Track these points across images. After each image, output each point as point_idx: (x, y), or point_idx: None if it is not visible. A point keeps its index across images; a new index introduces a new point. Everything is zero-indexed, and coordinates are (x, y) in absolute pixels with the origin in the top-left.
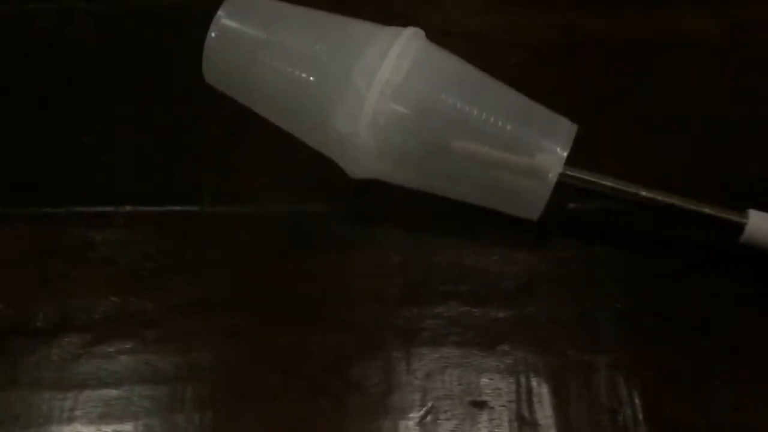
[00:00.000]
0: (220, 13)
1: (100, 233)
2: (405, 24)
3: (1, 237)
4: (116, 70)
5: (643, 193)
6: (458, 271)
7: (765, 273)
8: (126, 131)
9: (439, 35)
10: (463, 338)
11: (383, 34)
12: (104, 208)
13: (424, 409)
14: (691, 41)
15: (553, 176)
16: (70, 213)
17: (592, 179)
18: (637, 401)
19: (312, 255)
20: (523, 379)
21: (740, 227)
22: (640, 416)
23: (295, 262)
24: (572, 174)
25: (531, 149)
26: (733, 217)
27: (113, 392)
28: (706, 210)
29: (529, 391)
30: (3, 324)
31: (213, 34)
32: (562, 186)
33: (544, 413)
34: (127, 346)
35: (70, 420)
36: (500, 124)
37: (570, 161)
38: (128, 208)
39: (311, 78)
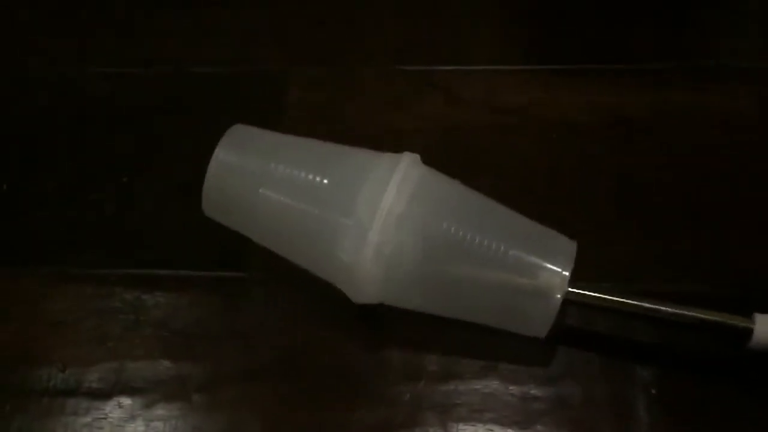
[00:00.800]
0: (218, 150)
1: (152, 297)
2: (444, 93)
3: (60, 296)
4: (172, 137)
5: (646, 305)
6: (496, 349)
7: None
8: (179, 195)
9: (483, 110)
10: (500, 415)
11: (383, 163)
12: (158, 271)
13: None
14: (734, 119)
15: (558, 298)
16: (126, 275)
17: (596, 295)
18: None
19: (357, 326)
20: None
21: (747, 333)
22: None
23: (342, 332)
24: (577, 292)
25: (534, 272)
26: (739, 323)
27: None
28: (712, 317)
29: None
30: (59, 383)
31: (213, 171)
32: (568, 303)
33: None
34: (177, 410)
35: None
36: (502, 248)
37: (574, 278)
38: (181, 272)
39: (314, 210)
